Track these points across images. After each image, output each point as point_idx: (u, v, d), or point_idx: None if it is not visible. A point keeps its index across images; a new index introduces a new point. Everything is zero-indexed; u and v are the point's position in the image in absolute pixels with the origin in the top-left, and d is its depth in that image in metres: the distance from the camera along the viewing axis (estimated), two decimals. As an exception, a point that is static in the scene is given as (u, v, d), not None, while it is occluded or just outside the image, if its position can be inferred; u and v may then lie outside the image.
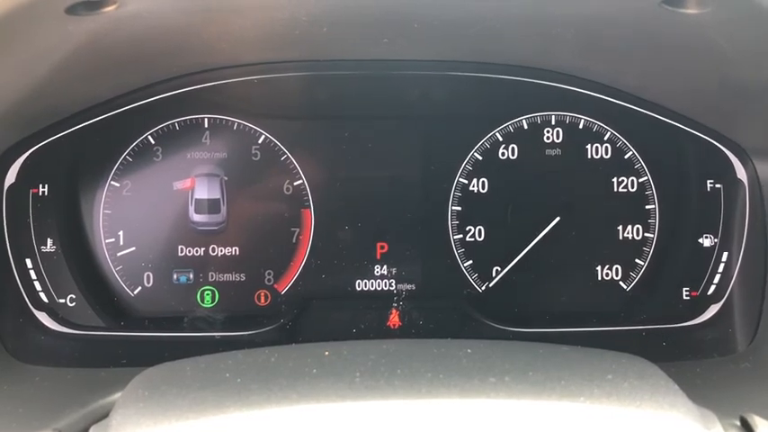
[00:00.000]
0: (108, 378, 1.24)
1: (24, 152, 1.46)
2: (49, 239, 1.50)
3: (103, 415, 1.01)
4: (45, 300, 1.49)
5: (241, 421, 0.84)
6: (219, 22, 1.27)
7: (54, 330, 1.47)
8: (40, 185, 1.50)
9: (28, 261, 1.48)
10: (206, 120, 1.56)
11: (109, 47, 1.25)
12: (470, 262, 1.57)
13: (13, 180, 1.46)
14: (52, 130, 1.47)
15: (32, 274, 1.49)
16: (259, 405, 0.85)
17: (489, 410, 0.84)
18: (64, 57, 1.22)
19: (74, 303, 1.50)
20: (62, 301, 1.50)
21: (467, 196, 1.57)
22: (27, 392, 1.22)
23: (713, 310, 1.52)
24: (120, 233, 1.55)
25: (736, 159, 1.50)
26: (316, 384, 0.91)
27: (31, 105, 1.35)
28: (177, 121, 1.56)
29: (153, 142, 1.55)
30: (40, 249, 1.50)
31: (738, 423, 0.94)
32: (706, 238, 1.54)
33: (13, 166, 1.46)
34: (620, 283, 1.57)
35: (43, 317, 1.48)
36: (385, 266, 1.57)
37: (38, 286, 1.49)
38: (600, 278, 1.57)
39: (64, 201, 1.52)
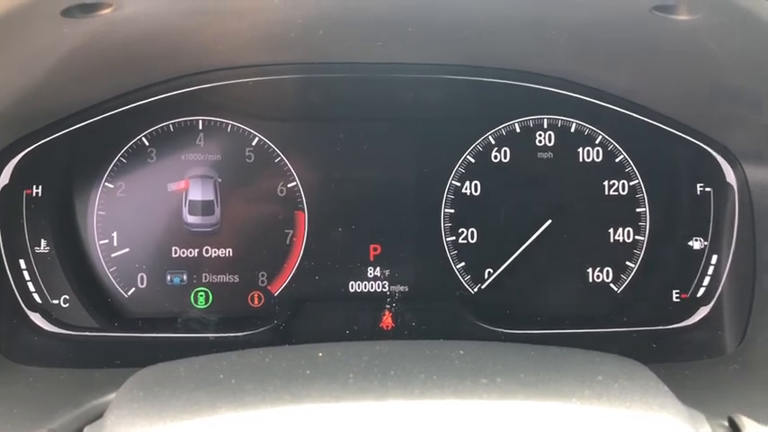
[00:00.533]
0: (102, 379, 1.25)
1: (18, 153, 1.46)
2: (42, 240, 1.50)
3: (97, 415, 1.02)
4: (39, 300, 1.49)
5: (235, 422, 0.84)
6: (215, 24, 1.27)
7: (47, 331, 1.47)
8: (34, 186, 1.50)
9: (21, 262, 1.49)
10: (200, 122, 1.57)
11: (104, 49, 1.25)
12: (463, 264, 1.58)
13: (7, 181, 1.46)
14: (46, 132, 1.47)
15: (26, 275, 1.49)
16: (253, 406, 0.86)
17: (481, 411, 0.85)
18: (59, 59, 1.22)
19: (67, 304, 1.50)
20: (56, 301, 1.50)
21: (459, 199, 1.58)
22: (21, 393, 1.22)
23: (702, 312, 1.53)
24: (114, 234, 1.55)
25: (726, 163, 1.51)
26: (309, 385, 0.92)
27: (26, 106, 1.35)
28: (171, 123, 1.56)
29: (147, 144, 1.56)
30: (33, 250, 1.50)
31: (726, 423, 0.96)
32: (696, 240, 1.55)
33: (6, 167, 1.46)
34: (611, 285, 1.58)
35: (37, 317, 1.48)
36: (378, 268, 1.58)
37: (31, 287, 1.49)
38: (591, 280, 1.58)
39: (58, 202, 1.52)
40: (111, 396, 1.07)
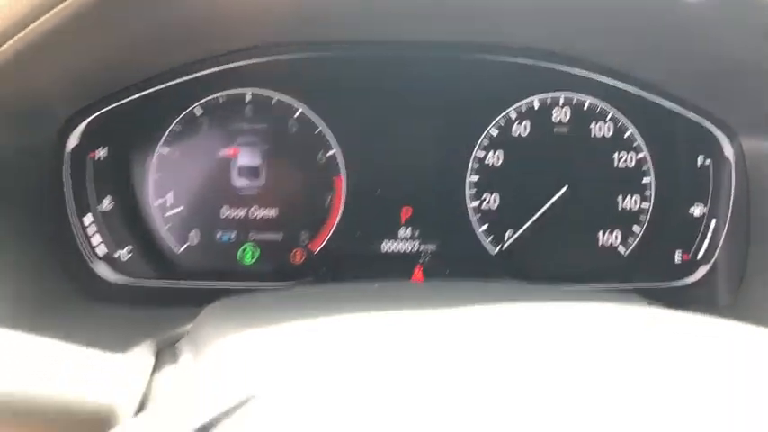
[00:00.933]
0: (171, 316, 1.38)
1: (86, 118, 1.61)
2: (106, 199, 1.65)
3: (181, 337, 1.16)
4: (103, 252, 1.64)
5: (317, 325, 0.99)
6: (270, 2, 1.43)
7: (111, 280, 1.62)
8: (99, 149, 1.65)
9: (88, 217, 1.63)
10: (248, 94, 1.72)
11: (171, 24, 1.40)
12: (486, 226, 1.74)
13: (77, 142, 1.61)
14: (112, 99, 1.62)
15: (91, 230, 1.64)
16: (330, 314, 1.01)
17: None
18: (136, 32, 1.37)
19: (129, 255, 1.65)
20: (118, 253, 1.65)
21: (483, 168, 1.74)
22: (104, 324, 1.37)
23: (702, 270, 1.69)
24: (170, 195, 1.70)
25: (725, 138, 1.68)
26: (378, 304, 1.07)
27: (97, 76, 1.50)
28: (222, 95, 1.71)
29: (200, 113, 1.71)
30: (98, 207, 1.65)
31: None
32: (697, 207, 1.71)
33: (75, 131, 1.60)
34: (619, 247, 1.74)
35: (101, 267, 1.63)
36: (409, 229, 1.73)
37: (96, 240, 1.64)
38: (600, 243, 1.74)
39: (120, 164, 1.67)
40: (189, 326, 1.21)
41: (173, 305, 1.52)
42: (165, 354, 1.11)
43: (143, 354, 1.07)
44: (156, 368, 1.05)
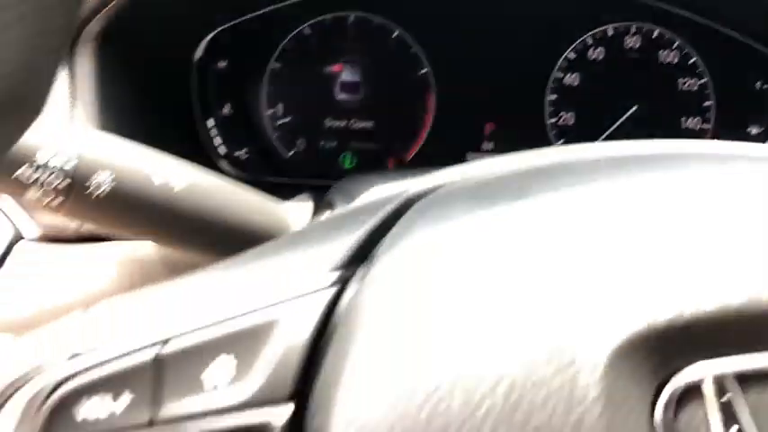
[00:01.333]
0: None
1: (211, 31, 1.81)
2: (226, 106, 1.86)
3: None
4: (224, 152, 1.85)
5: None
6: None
7: (233, 175, 1.83)
8: (221, 61, 1.85)
9: (210, 121, 1.84)
10: (351, 16, 1.91)
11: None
12: (562, 141, 1.93)
13: (202, 54, 1.81)
14: (234, 15, 1.82)
15: (213, 132, 1.84)
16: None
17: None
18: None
19: (247, 156, 1.86)
20: (237, 153, 1.86)
21: (561, 88, 1.92)
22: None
23: (758, 183, 1.88)
24: (280, 106, 1.90)
25: (782, 64, 1.86)
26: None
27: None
28: (328, 17, 1.91)
29: (309, 32, 1.90)
30: (219, 113, 1.85)
31: None
32: (753, 127, 1.90)
33: (202, 42, 1.81)
34: (682, 162, 1.93)
35: (224, 164, 1.84)
36: (492, 143, 1.93)
37: (217, 142, 1.85)
38: (665, 159, 1.93)
39: (238, 76, 1.88)
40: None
41: (288, 197, 1.73)
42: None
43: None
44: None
